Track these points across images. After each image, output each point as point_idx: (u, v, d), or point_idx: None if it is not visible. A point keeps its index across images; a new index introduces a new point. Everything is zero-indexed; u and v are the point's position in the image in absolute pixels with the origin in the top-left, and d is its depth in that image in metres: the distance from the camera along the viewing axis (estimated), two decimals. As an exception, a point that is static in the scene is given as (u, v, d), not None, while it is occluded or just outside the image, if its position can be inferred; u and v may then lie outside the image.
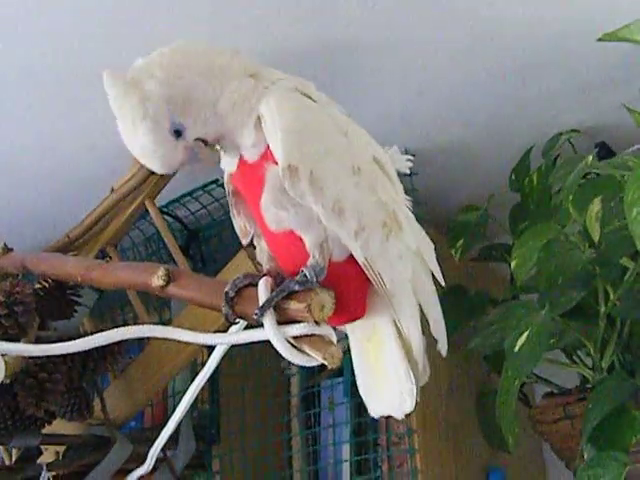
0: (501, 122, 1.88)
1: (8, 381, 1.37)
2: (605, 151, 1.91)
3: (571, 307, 1.44)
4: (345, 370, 1.97)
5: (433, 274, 1.14)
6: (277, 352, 2.01)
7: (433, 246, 1.14)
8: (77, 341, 1.10)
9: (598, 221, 1.43)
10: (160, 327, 1.16)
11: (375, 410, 1.15)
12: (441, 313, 1.14)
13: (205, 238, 2.13)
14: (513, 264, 1.52)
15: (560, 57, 1.66)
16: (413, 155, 1.79)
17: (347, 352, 1.89)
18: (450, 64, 1.67)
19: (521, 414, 1.70)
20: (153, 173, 1.77)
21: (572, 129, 1.87)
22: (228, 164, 1.10)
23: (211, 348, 1.29)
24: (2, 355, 1.18)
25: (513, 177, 1.92)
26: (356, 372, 1.17)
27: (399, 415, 1.12)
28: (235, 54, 1.07)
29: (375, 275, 1.05)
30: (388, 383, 1.11)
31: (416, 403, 1.10)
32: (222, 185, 1.98)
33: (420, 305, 1.10)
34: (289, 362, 1.99)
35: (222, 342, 1.13)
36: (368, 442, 1.85)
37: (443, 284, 1.14)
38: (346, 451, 1.91)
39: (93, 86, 1.62)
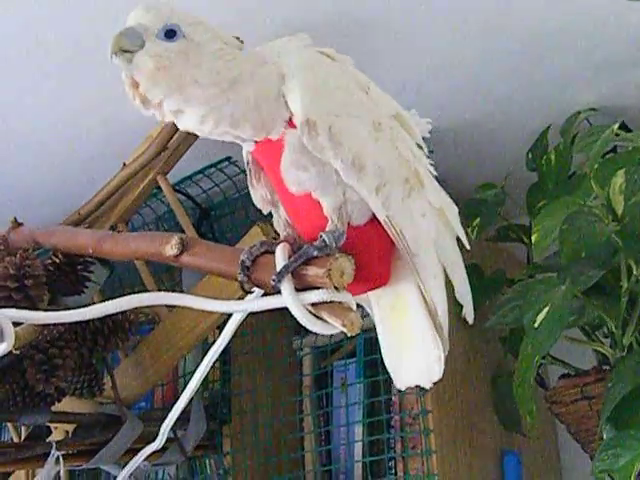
0: (518, 100, 1.86)
1: (18, 352, 1.34)
2: (624, 131, 1.88)
3: (592, 284, 1.42)
4: (358, 351, 1.95)
5: (457, 237, 1.12)
6: (289, 331, 2.02)
7: (457, 209, 1.11)
8: (89, 308, 1.07)
9: (622, 194, 1.40)
10: (175, 294, 1.13)
11: (402, 381, 1.13)
12: (466, 276, 1.11)
13: (217, 217, 2.11)
14: (534, 238, 1.49)
15: (579, 34, 1.63)
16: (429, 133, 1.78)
17: (361, 332, 1.90)
18: (467, 41, 1.64)
19: (536, 397, 1.67)
20: (165, 148, 1.75)
21: (590, 108, 1.84)
22: (247, 147, 1.08)
23: (222, 327, 1.27)
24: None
25: (530, 156, 1.90)
26: (381, 343, 1.14)
27: (427, 384, 1.09)
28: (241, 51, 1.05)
29: (397, 234, 1.02)
30: (414, 351, 1.09)
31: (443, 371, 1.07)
32: (235, 163, 1.96)
33: (444, 268, 1.08)
34: (301, 343, 2.01)
35: (238, 310, 1.10)
36: (381, 423, 1.83)
37: (468, 247, 1.12)
38: (359, 432, 1.89)
39: (106, 60, 1.62)
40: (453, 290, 1.11)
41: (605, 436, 1.41)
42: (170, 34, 0.98)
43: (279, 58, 1.04)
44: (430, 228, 1.06)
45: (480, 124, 1.93)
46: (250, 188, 1.13)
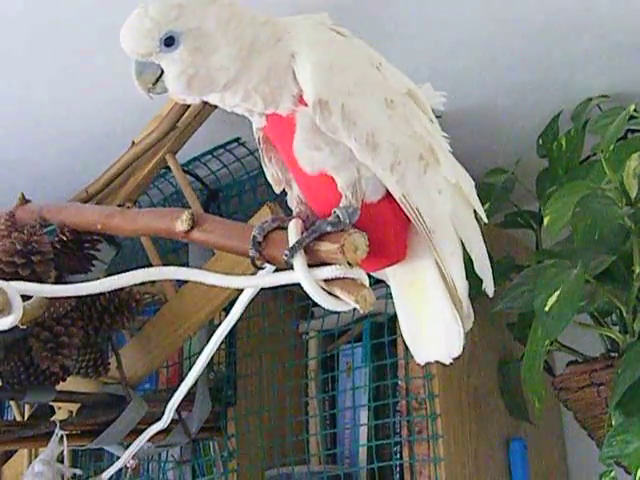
0: (529, 85, 1.84)
1: (24, 327, 1.33)
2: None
3: (604, 268, 1.40)
4: (365, 335, 1.94)
5: (474, 210, 1.11)
6: (296, 315, 2.01)
7: (473, 182, 1.11)
8: (97, 281, 1.06)
9: (636, 177, 1.39)
10: (183, 269, 1.12)
11: (421, 356, 1.13)
12: (485, 250, 1.11)
13: (225, 198, 2.09)
14: (546, 220, 1.48)
15: (591, 20, 1.61)
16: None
17: (367, 316, 1.89)
18: (479, 26, 1.63)
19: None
20: (175, 127, 1.74)
21: (602, 94, 1.82)
22: (256, 122, 1.07)
23: (229, 309, 1.26)
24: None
25: (541, 142, 1.88)
26: (399, 319, 1.14)
27: (447, 360, 1.09)
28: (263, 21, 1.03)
29: (413, 211, 1.02)
30: (434, 327, 1.08)
31: (463, 347, 1.07)
32: (244, 144, 1.95)
33: (462, 243, 1.07)
34: (308, 326, 2.00)
35: (248, 285, 1.10)
36: (387, 407, 1.82)
37: (486, 220, 1.12)
38: (364, 416, 1.88)
39: (113, 39, 1.61)
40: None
41: (614, 422, 1.41)
42: (170, 41, 0.98)
43: (289, 34, 1.02)
44: (446, 204, 1.06)
45: (491, 109, 1.91)
46: (263, 166, 1.12)
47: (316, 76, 0.98)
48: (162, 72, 0.99)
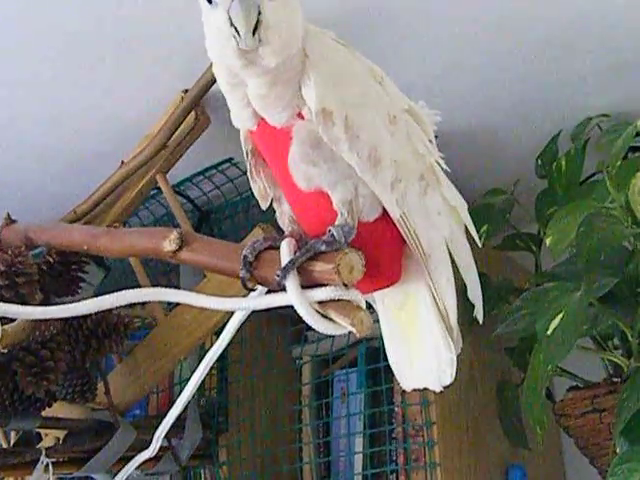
0: (528, 105, 1.82)
1: (5, 351, 1.29)
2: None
3: (607, 291, 1.37)
4: (359, 360, 1.91)
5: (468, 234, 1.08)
6: (289, 339, 1.97)
7: (466, 205, 1.07)
8: (81, 302, 1.02)
9: (641, 196, 1.36)
10: (173, 290, 1.08)
11: (409, 383, 1.09)
12: (477, 276, 1.07)
13: (217, 220, 2.07)
14: (548, 241, 1.44)
15: (590, 38, 1.60)
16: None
17: (362, 341, 1.85)
18: (475, 44, 1.61)
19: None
20: (166, 146, 1.71)
21: (602, 114, 1.80)
22: (246, 121, 1.02)
23: (220, 333, 1.22)
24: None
25: (540, 162, 1.86)
26: (386, 343, 1.10)
27: (437, 388, 1.05)
28: None
29: (410, 233, 0.99)
30: (424, 354, 1.05)
31: (455, 375, 1.03)
32: (236, 164, 1.92)
33: (456, 267, 1.04)
34: (301, 351, 1.96)
35: (239, 307, 1.05)
36: (383, 434, 1.78)
37: (480, 245, 1.08)
38: (359, 443, 1.84)
39: (103, 58, 1.59)
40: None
41: (618, 450, 1.37)
42: None
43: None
44: (444, 227, 1.03)
45: (489, 129, 1.90)
46: (250, 180, 1.08)
47: (321, 85, 0.94)
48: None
